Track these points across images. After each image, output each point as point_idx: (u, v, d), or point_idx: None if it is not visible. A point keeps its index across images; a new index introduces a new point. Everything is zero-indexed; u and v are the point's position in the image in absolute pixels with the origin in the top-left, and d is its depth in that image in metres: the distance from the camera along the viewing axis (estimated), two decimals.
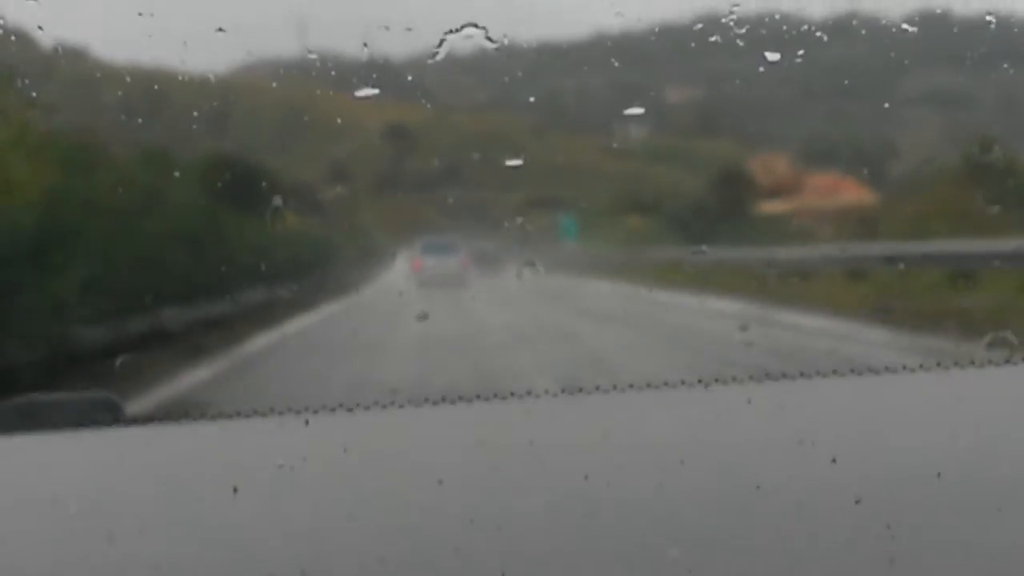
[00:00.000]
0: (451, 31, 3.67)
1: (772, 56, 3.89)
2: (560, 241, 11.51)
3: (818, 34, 4.16)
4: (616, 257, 12.68)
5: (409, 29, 3.76)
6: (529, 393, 2.20)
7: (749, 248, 10.99)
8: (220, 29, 3.07)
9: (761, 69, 3.96)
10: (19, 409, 2.10)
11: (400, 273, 12.02)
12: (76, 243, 8.30)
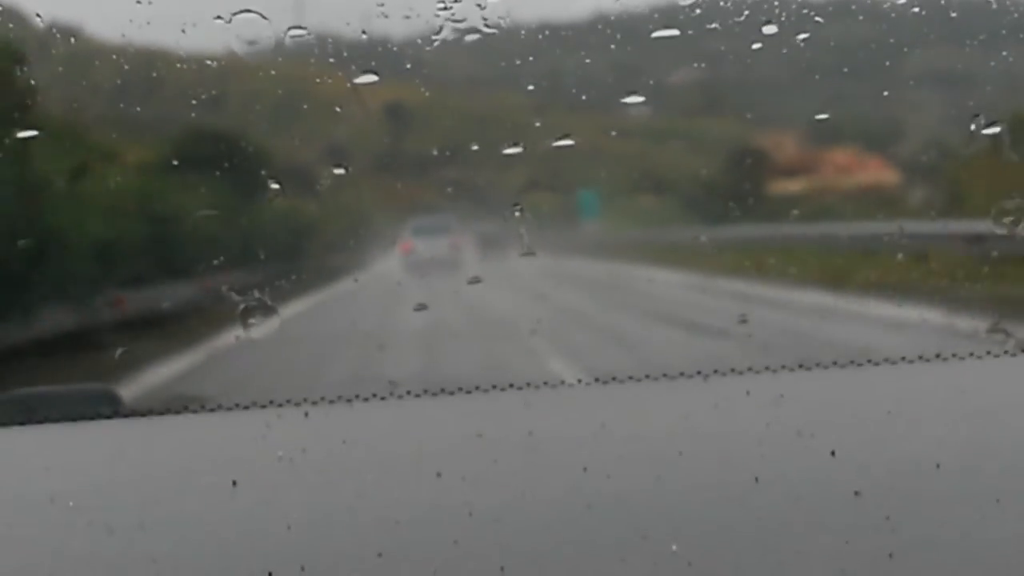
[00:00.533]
0: (444, 7, 3.63)
1: (769, 29, 3.85)
2: (577, 221, 10.97)
3: (817, 18, 4.14)
4: (642, 238, 11.66)
5: (407, 17, 3.74)
6: (528, 385, 2.19)
7: (794, 226, 10.21)
8: (218, 17, 3.06)
9: (758, 46, 3.93)
10: (19, 401, 2.10)
11: (398, 260, 11.32)
12: None
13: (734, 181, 10.75)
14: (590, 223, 11.17)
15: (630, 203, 11.49)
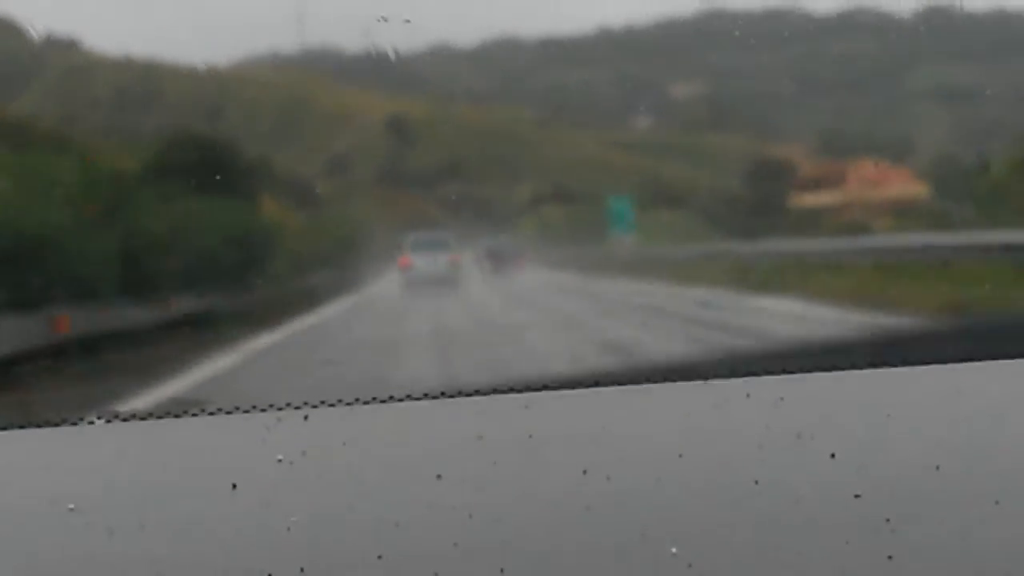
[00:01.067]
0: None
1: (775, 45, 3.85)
2: (596, 235, 10.31)
3: (816, 23, 4.15)
4: (682, 255, 10.31)
5: (407, 21, 3.74)
6: (528, 387, 2.19)
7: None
8: (218, 27, 3.06)
9: (764, 56, 3.93)
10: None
11: (397, 275, 10.31)
12: None
13: (773, 192, 10.34)
14: (621, 236, 10.20)
15: (646, 217, 10.94)
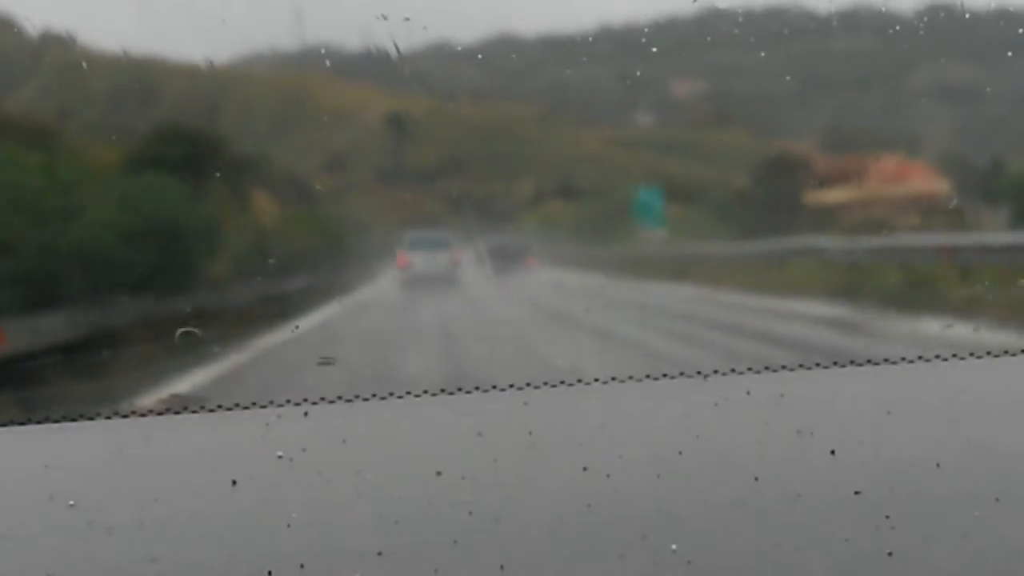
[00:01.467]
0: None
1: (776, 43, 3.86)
2: (605, 230, 9.77)
3: (818, 20, 4.16)
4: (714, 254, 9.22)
5: (407, 19, 3.74)
6: (528, 384, 2.20)
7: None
8: (217, 25, 3.07)
9: (763, 54, 3.94)
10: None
11: (395, 275, 9.55)
12: None
13: (787, 189, 9.89)
14: (650, 232, 9.10)
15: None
